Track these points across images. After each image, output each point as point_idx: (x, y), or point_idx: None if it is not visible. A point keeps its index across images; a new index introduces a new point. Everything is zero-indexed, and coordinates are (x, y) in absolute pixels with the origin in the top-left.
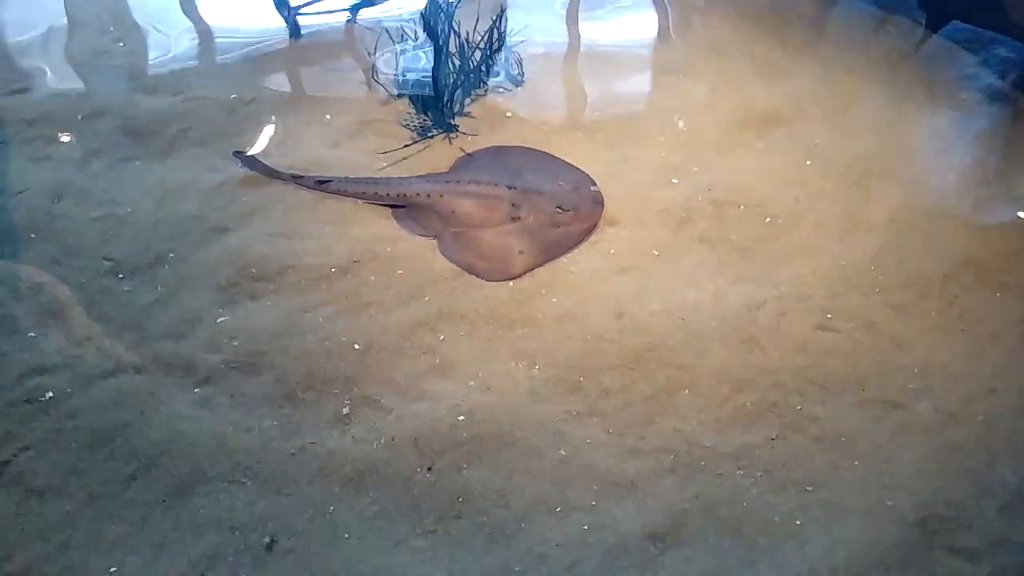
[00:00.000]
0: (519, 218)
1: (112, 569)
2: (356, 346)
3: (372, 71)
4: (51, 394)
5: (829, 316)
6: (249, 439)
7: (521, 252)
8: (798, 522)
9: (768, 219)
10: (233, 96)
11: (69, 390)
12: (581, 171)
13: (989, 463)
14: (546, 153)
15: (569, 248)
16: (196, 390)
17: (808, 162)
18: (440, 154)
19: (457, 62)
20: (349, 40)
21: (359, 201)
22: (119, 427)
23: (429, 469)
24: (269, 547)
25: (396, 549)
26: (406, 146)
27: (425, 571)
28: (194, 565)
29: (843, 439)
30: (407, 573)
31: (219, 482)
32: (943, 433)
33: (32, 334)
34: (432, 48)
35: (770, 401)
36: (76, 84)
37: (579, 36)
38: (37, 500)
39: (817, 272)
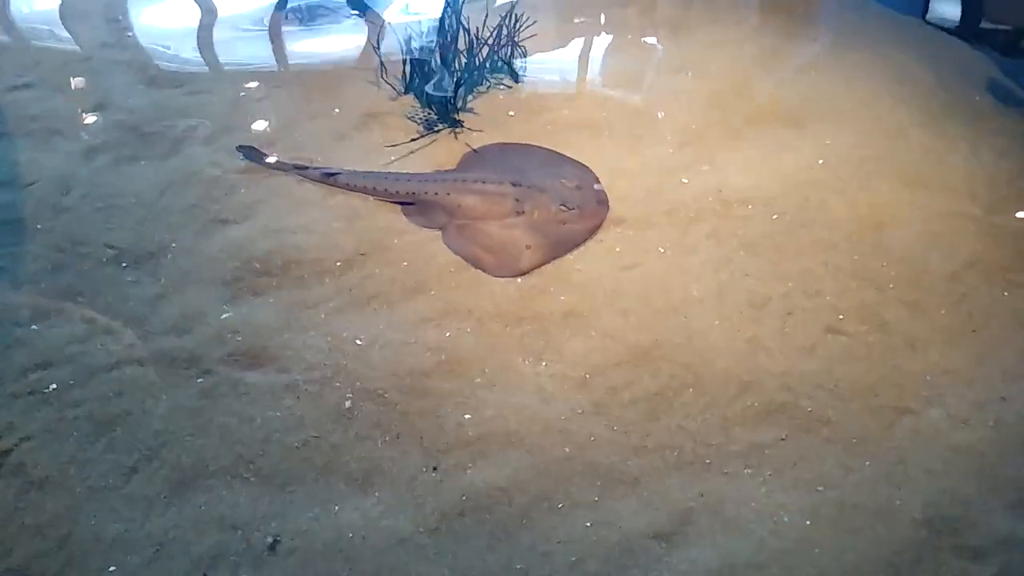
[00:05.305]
0: (523, 212)
1: (111, 568)
2: (359, 341)
3: (379, 66)
4: (54, 386)
5: (841, 317)
6: (252, 431)
7: (528, 247)
8: (808, 522)
9: (776, 216)
10: (238, 88)
11: (72, 382)
12: (586, 168)
13: (998, 464)
14: (551, 151)
15: (576, 245)
16: (199, 380)
17: (820, 161)
18: (446, 149)
19: (464, 59)
20: (356, 34)
21: (369, 197)
22: (121, 417)
23: (435, 469)
24: (272, 547)
25: (399, 547)
26: (412, 140)
27: (428, 569)
28: (195, 564)
29: (854, 440)
30: (410, 571)
31: (221, 476)
32: (953, 437)
33: (35, 327)
34: (439, 43)
35: (779, 402)
36: (82, 77)
37: (585, 33)
38: (37, 492)
39: (827, 269)
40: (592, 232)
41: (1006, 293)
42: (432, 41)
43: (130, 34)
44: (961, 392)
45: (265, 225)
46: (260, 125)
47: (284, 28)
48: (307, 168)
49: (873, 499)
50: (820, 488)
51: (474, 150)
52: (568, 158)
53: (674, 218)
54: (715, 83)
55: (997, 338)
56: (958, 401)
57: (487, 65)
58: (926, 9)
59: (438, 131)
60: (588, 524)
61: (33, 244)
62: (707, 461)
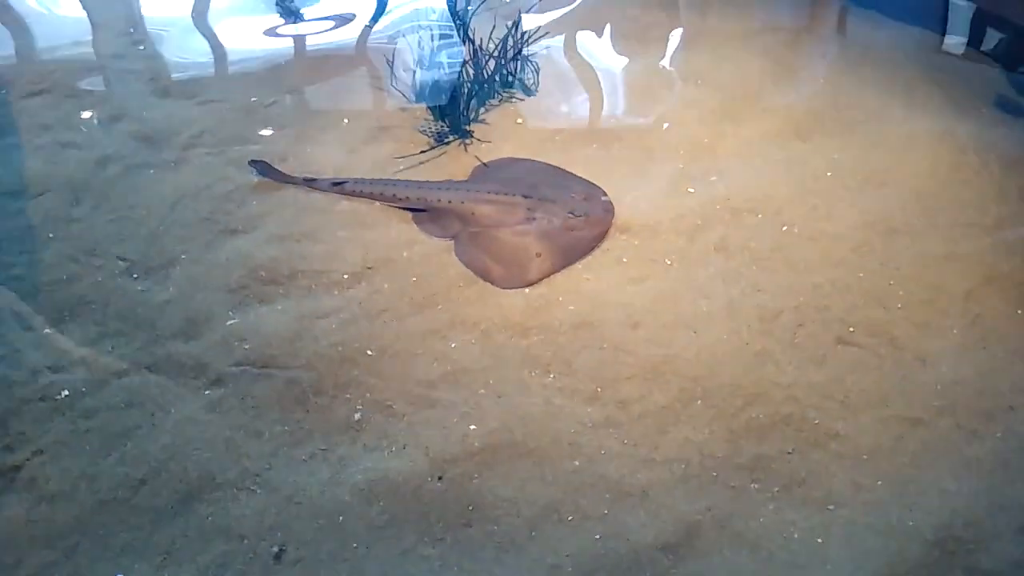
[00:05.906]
0: (534, 219)
1: (119, 575)
2: (369, 352)
3: (390, 77)
4: (66, 392)
5: (851, 330)
6: (259, 444)
7: (538, 254)
8: (819, 540)
9: (785, 228)
10: (252, 100)
11: (84, 389)
12: (592, 183)
13: (1008, 481)
14: (557, 167)
15: (584, 253)
16: (207, 392)
17: (828, 173)
18: (456, 161)
19: (472, 70)
20: (367, 46)
21: (375, 203)
22: (131, 430)
23: (440, 478)
24: (278, 556)
25: (404, 558)
26: (423, 152)
27: None
28: (202, 573)
29: (864, 456)
30: None
31: (228, 489)
32: (964, 450)
33: (47, 331)
34: (449, 55)
35: (784, 414)
36: (94, 87)
37: (596, 45)
38: (47, 505)
39: (837, 283)
40: (600, 239)
41: (1020, 311)
42: (442, 53)
43: (143, 45)
44: (971, 402)
45: (273, 235)
46: (270, 136)
47: (294, 39)
48: (315, 180)
49: (884, 519)
50: (831, 507)
51: (484, 164)
52: (572, 174)
53: (683, 229)
54: (725, 94)
55: (1009, 353)
56: (968, 412)
57: (497, 78)
58: (938, 23)
59: (448, 143)
60: (597, 537)
61: (46, 253)
62: (714, 474)
